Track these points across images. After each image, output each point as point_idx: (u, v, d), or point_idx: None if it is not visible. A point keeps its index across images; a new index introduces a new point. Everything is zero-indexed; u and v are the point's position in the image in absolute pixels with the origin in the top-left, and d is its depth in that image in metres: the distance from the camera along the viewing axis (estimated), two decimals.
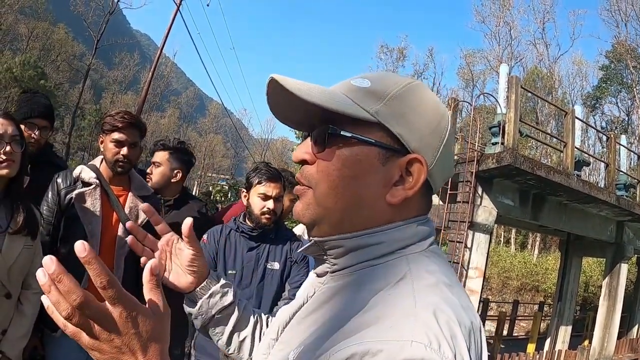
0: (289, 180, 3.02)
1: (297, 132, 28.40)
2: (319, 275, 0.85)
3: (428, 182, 0.77)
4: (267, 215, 2.66)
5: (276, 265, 2.66)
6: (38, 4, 42.98)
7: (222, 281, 1.07)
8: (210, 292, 1.04)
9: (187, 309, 1.06)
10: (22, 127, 2.82)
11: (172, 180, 3.21)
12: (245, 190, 2.81)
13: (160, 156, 3.17)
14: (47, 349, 2.45)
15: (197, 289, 1.04)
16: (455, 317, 0.63)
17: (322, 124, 0.76)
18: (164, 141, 3.27)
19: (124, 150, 2.49)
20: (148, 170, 3.16)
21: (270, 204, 2.66)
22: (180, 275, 1.04)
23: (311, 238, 0.82)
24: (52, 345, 2.44)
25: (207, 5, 21.96)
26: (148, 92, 18.07)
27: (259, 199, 2.67)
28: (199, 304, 1.03)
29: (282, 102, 0.78)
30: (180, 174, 3.24)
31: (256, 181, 2.70)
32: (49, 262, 0.61)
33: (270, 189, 2.68)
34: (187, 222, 0.99)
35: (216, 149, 64.63)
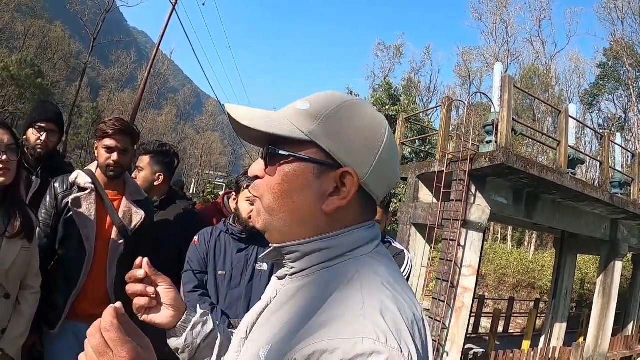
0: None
1: None
2: (279, 278, 0.94)
3: (366, 191, 0.86)
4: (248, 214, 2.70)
5: (265, 267, 2.70)
6: (35, 2, 42.90)
7: (200, 310, 1.16)
8: (192, 323, 1.11)
9: (172, 344, 1.12)
10: (31, 130, 2.95)
11: (155, 183, 3.28)
12: (234, 194, 2.86)
13: (142, 160, 3.26)
14: (45, 346, 2.55)
15: (179, 323, 1.11)
16: (399, 313, 0.73)
17: (266, 145, 0.87)
18: (145, 145, 3.34)
19: (114, 156, 2.58)
20: (133, 175, 3.21)
21: (246, 204, 2.71)
22: (162, 312, 1.10)
23: (270, 245, 0.92)
24: (50, 341, 2.53)
25: (203, 4, 21.96)
26: (145, 90, 18.07)
27: (247, 203, 2.71)
28: (183, 337, 1.10)
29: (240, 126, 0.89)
30: (162, 176, 3.31)
31: (245, 185, 2.73)
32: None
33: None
34: (140, 262, 1.07)
35: (213, 147, 64.65)
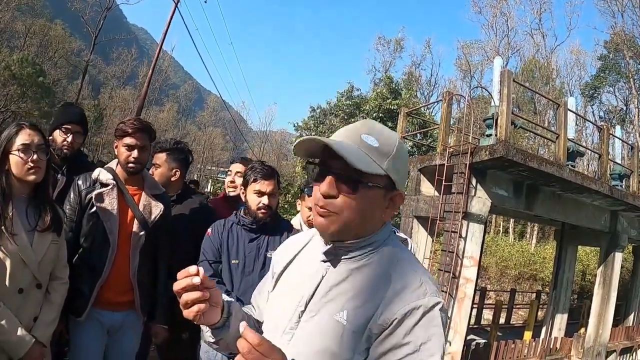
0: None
1: (296, 125, 29.04)
2: (324, 261, 1.27)
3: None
4: (262, 210, 2.89)
5: None
6: (35, 1, 42.79)
7: (226, 298, 1.29)
8: (233, 315, 1.27)
9: (214, 338, 1.27)
10: (58, 131, 3.13)
11: (172, 179, 3.44)
12: (242, 187, 3.01)
13: (159, 157, 3.41)
14: (71, 333, 2.74)
15: (222, 317, 1.24)
16: (430, 279, 1.21)
17: (346, 172, 1.16)
18: (161, 143, 3.48)
19: (135, 153, 2.76)
20: (150, 172, 3.34)
21: (265, 199, 2.89)
22: (213, 312, 1.21)
23: (331, 242, 1.24)
24: (76, 328, 2.71)
25: (205, 2, 21.99)
26: (148, 88, 18.17)
27: (255, 195, 2.90)
28: (230, 328, 1.25)
29: (313, 150, 1.24)
30: (179, 172, 3.48)
31: (252, 179, 2.91)
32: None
33: (264, 186, 2.90)
34: (197, 271, 1.13)
35: (215, 142, 64.37)
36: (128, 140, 2.76)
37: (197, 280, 1.11)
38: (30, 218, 2.28)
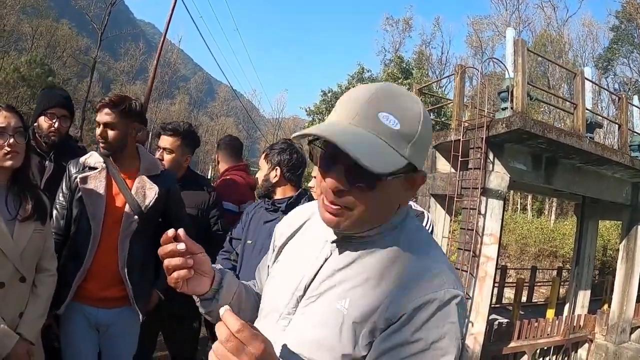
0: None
1: (308, 110, 29.06)
2: (331, 242, 1.10)
3: None
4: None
5: None
6: (39, 2, 42.93)
7: (218, 266, 1.23)
8: (223, 285, 1.19)
9: (204, 310, 1.20)
10: (42, 118, 2.93)
11: (184, 165, 3.29)
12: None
13: (172, 142, 3.20)
14: (60, 328, 2.54)
15: (212, 287, 1.17)
16: (450, 269, 1.06)
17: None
18: (173, 125, 3.25)
19: (97, 131, 2.53)
20: (158, 156, 3.18)
21: (258, 174, 2.94)
22: (198, 281, 1.14)
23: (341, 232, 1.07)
24: (63, 323, 2.53)
25: None
26: (155, 80, 18.10)
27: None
28: (219, 299, 1.18)
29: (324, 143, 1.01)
30: (190, 158, 3.35)
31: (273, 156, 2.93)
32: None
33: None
34: (174, 234, 1.07)
35: (228, 132, 64.51)
36: (98, 116, 2.51)
37: (181, 246, 1.05)
38: (10, 207, 2.10)
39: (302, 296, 1.09)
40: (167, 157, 3.18)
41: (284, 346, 1.05)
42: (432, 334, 0.94)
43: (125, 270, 2.52)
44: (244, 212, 3.05)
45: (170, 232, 1.07)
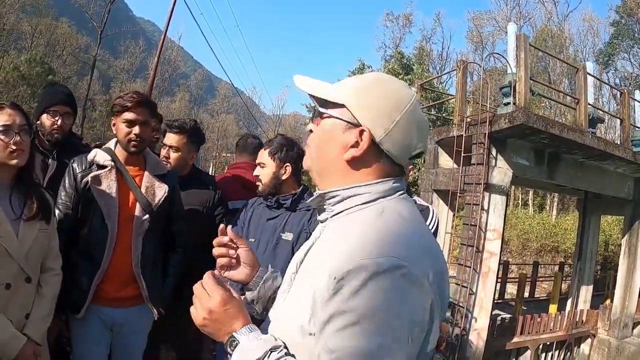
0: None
1: (308, 106, 29.24)
2: (322, 222, 1.18)
3: (386, 153, 1.08)
4: (257, 183, 2.84)
5: (290, 236, 2.71)
6: (39, 0, 42.84)
7: (270, 268, 1.41)
8: (264, 278, 1.37)
9: (248, 297, 1.36)
10: (45, 115, 2.90)
11: (189, 162, 3.28)
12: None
13: (178, 140, 3.17)
14: (72, 332, 2.52)
15: (254, 278, 1.37)
16: (412, 238, 0.99)
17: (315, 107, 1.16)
18: (179, 123, 3.22)
19: (136, 129, 2.50)
20: (164, 154, 3.17)
21: (256, 171, 2.84)
22: (240, 270, 1.38)
23: (317, 192, 1.15)
24: (77, 327, 2.49)
25: None
26: (155, 78, 18.08)
27: (257, 167, 2.87)
28: (257, 290, 1.35)
29: None
30: (195, 156, 3.32)
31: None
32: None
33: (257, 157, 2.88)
34: (223, 229, 1.37)
35: (229, 129, 64.18)
36: (128, 115, 2.49)
37: (225, 238, 1.36)
38: (14, 206, 2.07)
39: (295, 273, 1.17)
40: (174, 155, 3.15)
41: (269, 320, 1.19)
42: (362, 306, 0.87)
43: (139, 270, 2.52)
44: (244, 210, 2.99)
45: (221, 225, 1.37)
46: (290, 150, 2.83)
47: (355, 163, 1.08)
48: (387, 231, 0.97)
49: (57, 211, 2.46)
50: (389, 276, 0.88)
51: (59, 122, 2.91)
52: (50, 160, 2.90)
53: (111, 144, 2.65)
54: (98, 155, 2.55)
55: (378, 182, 1.08)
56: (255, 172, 2.86)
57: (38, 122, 2.92)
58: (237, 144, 4.24)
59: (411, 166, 3.45)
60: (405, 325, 0.88)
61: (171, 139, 3.15)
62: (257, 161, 2.87)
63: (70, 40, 44.81)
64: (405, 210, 1.07)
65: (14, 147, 2.02)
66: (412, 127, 1.08)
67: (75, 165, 2.55)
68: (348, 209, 1.09)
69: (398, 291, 0.88)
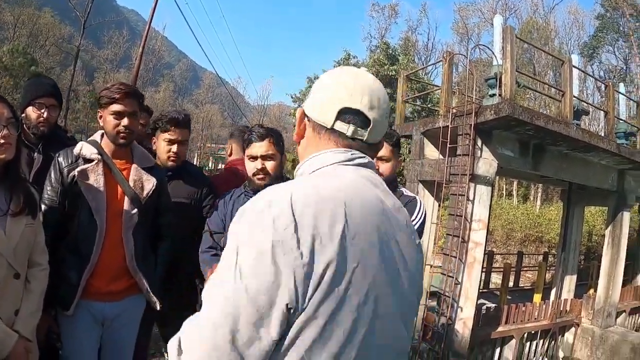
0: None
1: (293, 96, 29.12)
2: None
3: (331, 128, 1.22)
4: (257, 176, 2.71)
5: None
6: None
7: None
8: None
9: None
10: (30, 108, 2.82)
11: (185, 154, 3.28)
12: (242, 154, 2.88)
13: (185, 134, 3.16)
14: (61, 328, 2.46)
15: None
16: (298, 189, 1.05)
17: None
18: (185, 117, 3.18)
19: (125, 121, 2.46)
20: (174, 150, 3.12)
21: (258, 164, 2.69)
22: None
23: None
24: (67, 323, 2.44)
25: None
26: (140, 68, 17.88)
27: (250, 161, 2.72)
28: None
29: None
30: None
31: (246, 144, 2.72)
32: None
33: (256, 149, 2.69)
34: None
35: (213, 119, 63.90)
36: (116, 107, 2.44)
37: None
38: (0, 201, 2.03)
39: None
40: (182, 149, 3.14)
41: None
42: (231, 231, 1.05)
43: (135, 263, 2.50)
44: (220, 203, 2.91)
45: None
46: (281, 140, 2.79)
47: (305, 144, 1.28)
48: (292, 182, 1.12)
49: (43, 206, 2.39)
50: (249, 206, 1.05)
51: (45, 115, 2.84)
52: (35, 154, 2.81)
53: (97, 136, 2.60)
54: (84, 148, 2.49)
55: (319, 154, 1.22)
56: (261, 166, 2.72)
57: (23, 115, 2.84)
58: (232, 134, 4.14)
59: (400, 158, 3.33)
60: (249, 252, 0.98)
61: (179, 133, 3.10)
62: (264, 153, 2.71)
63: (53, 30, 44.23)
64: (339, 171, 1.17)
65: (1, 141, 1.98)
66: (333, 90, 1.23)
67: (61, 159, 2.48)
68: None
69: (259, 216, 1.00)
